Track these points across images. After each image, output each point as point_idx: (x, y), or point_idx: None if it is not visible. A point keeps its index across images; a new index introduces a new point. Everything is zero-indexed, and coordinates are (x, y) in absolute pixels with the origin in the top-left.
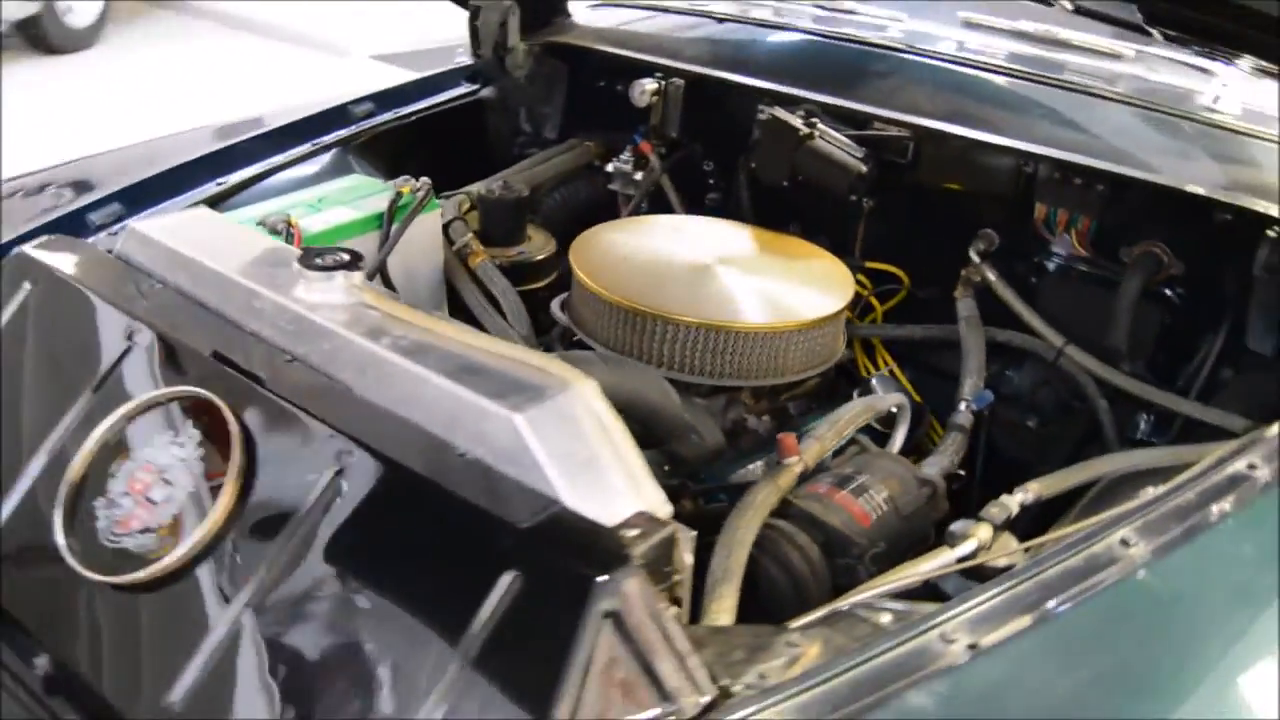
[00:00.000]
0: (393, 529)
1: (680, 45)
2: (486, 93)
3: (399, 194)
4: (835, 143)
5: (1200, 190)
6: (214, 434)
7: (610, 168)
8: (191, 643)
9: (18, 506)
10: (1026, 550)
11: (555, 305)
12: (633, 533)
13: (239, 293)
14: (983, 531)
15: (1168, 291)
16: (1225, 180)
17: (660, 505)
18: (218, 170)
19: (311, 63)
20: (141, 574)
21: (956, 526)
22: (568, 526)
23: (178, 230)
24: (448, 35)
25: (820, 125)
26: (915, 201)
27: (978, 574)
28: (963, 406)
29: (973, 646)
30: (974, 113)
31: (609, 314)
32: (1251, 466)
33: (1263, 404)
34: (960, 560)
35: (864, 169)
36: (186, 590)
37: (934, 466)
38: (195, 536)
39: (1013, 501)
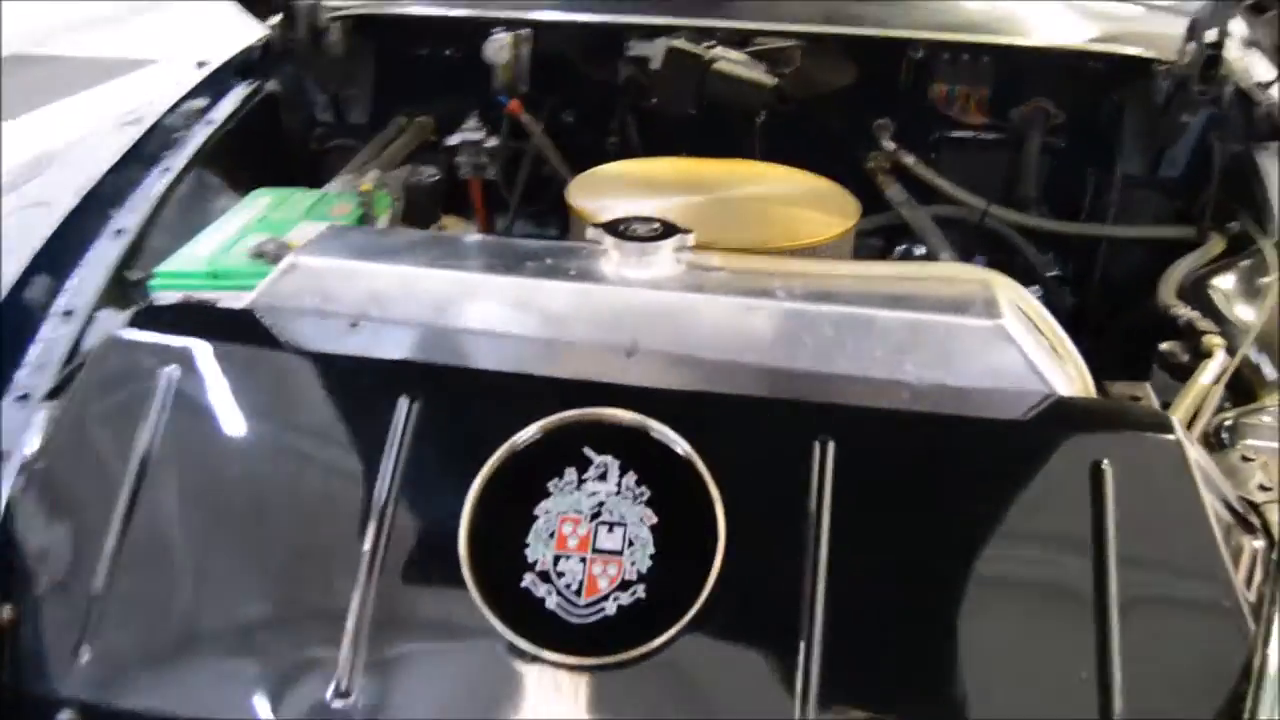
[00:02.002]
0: (918, 483)
1: None
2: (272, 86)
3: (363, 195)
4: (737, 62)
5: (1084, 46)
6: (635, 456)
7: (454, 140)
8: (784, 676)
9: (389, 626)
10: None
11: None
12: (1140, 399)
13: (528, 296)
14: (1218, 339)
15: (1052, 140)
16: (1090, 35)
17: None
18: (100, 214)
19: None
20: (671, 631)
21: (1169, 347)
22: (1085, 412)
23: (348, 252)
24: None
25: (718, 49)
26: (804, 106)
27: None
28: None
29: None
30: (851, 13)
31: None
32: None
33: (1155, 216)
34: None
35: (775, 82)
36: (738, 625)
37: None
38: (715, 563)
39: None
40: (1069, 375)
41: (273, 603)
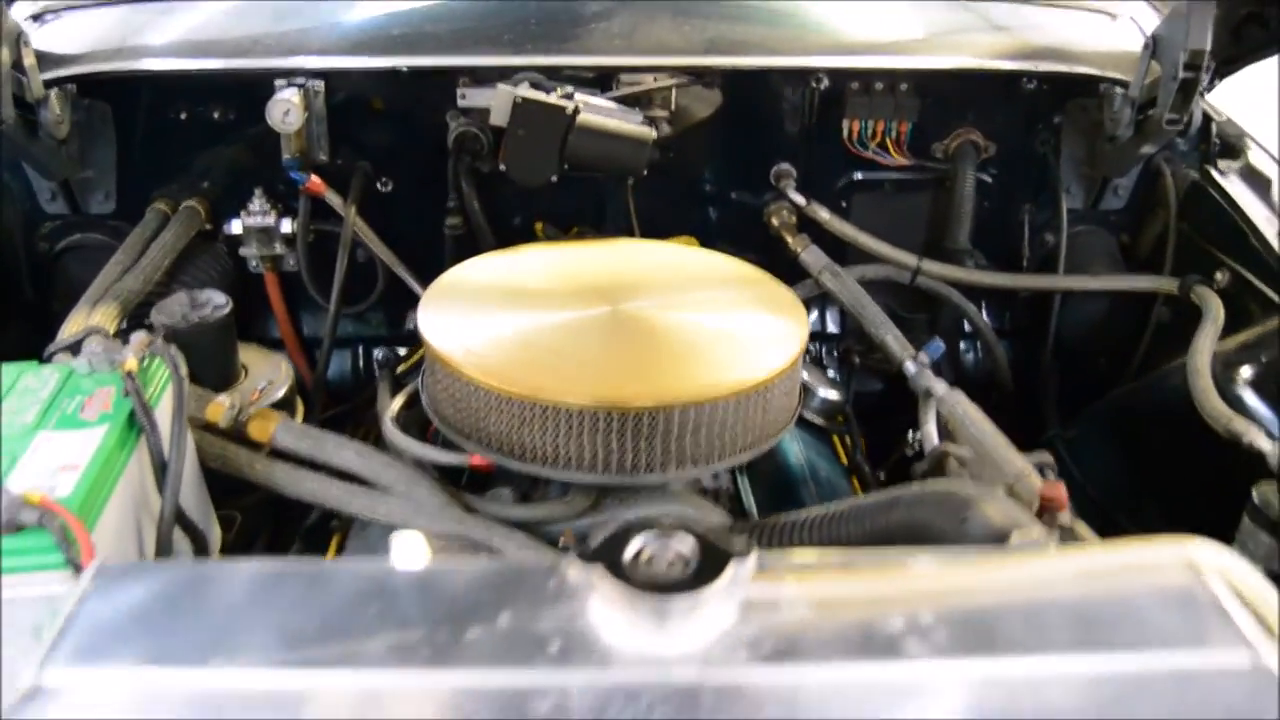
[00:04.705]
0: None
1: (275, 39)
2: None
3: (129, 377)
4: (605, 112)
5: (1023, 66)
6: None
7: (236, 228)
8: None
9: None
10: None
11: (390, 427)
12: None
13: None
14: None
15: (980, 175)
16: (1015, 51)
17: None
18: None
19: None
20: None
21: (1269, 497)
22: None
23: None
24: None
25: (577, 95)
26: (685, 157)
27: None
28: (912, 368)
29: None
30: (735, 39)
31: (551, 424)
32: None
33: (1108, 253)
34: None
35: (655, 134)
36: None
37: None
38: None
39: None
40: None
41: None
